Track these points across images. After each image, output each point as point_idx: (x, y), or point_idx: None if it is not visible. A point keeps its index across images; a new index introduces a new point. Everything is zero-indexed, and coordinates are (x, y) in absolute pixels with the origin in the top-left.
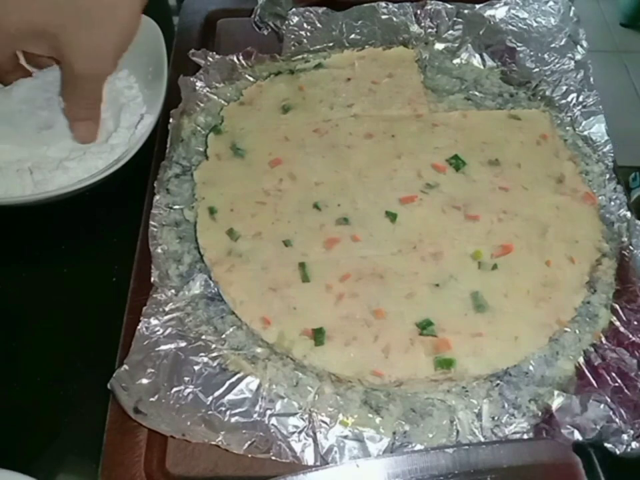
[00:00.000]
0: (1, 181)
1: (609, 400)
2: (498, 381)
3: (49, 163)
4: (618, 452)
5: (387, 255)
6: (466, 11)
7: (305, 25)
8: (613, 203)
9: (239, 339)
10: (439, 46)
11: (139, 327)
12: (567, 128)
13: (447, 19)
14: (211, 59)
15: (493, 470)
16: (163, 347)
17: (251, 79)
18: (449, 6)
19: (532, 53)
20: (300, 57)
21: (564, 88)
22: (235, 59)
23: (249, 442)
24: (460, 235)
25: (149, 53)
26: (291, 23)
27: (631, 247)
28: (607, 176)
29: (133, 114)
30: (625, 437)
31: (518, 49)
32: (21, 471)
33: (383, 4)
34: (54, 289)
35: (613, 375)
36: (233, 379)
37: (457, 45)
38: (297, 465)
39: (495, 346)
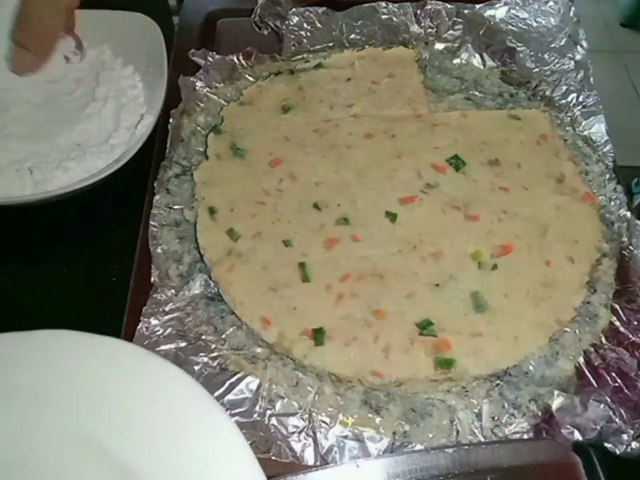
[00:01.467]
0: (1, 181)
1: (608, 400)
2: (498, 381)
3: (49, 163)
4: (618, 452)
5: (387, 255)
6: (466, 11)
7: (305, 25)
8: (612, 203)
9: (238, 339)
10: (439, 46)
11: (138, 327)
12: (567, 128)
13: (446, 19)
14: (211, 59)
15: (493, 470)
16: (162, 347)
17: (251, 78)
18: (449, 6)
19: (532, 53)
20: (300, 57)
21: (564, 88)
22: (235, 59)
23: (249, 442)
24: (460, 234)
25: (149, 53)
26: (291, 23)
27: (630, 247)
28: (607, 176)
29: (133, 114)
30: (624, 436)
31: (518, 49)
32: None
33: (383, 4)
34: (54, 289)
35: (613, 374)
36: (233, 379)
37: (457, 45)
38: (297, 464)
39: (495, 346)
